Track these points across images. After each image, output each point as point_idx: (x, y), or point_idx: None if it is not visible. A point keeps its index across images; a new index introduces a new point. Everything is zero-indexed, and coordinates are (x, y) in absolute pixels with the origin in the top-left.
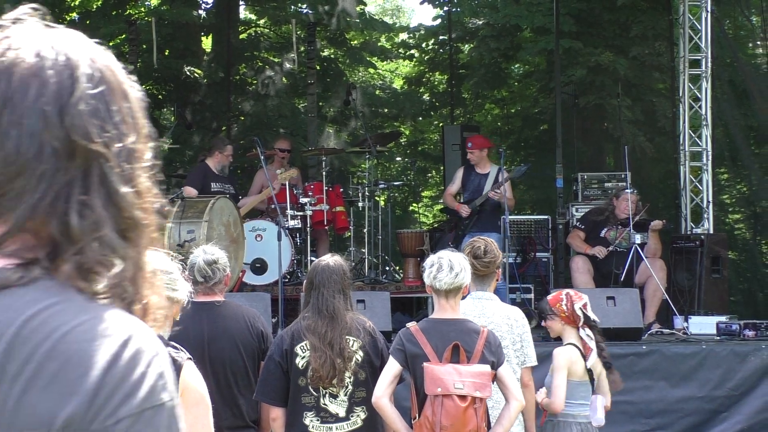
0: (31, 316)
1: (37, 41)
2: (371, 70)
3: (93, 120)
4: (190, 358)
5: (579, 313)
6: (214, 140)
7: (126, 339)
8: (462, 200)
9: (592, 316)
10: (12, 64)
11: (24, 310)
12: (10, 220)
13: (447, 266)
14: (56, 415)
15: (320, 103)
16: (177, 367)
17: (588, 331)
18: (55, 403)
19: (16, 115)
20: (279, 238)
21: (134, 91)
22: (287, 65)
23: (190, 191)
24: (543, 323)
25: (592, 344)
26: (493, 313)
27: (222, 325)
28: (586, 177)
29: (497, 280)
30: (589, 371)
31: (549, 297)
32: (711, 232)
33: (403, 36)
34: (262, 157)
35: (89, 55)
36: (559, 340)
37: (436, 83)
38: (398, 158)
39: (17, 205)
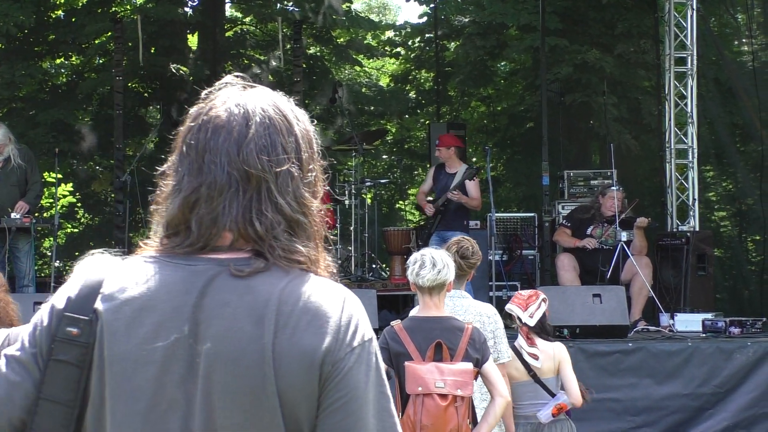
0: (283, 288)
1: (229, 101)
2: (357, 68)
3: (260, 154)
4: None
5: (510, 312)
6: None
7: (344, 296)
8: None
9: (526, 320)
10: (210, 120)
11: (277, 284)
12: (233, 228)
13: (430, 263)
14: (317, 347)
15: (306, 101)
16: None
17: (521, 338)
18: (315, 340)
19: (213, 155)
20: None
21: (299, 127)
22: (273, 63)
23: None
24: None
25: (525, 354)
26: (466, 311)
27: None
28: (572, 174)
29: (469, 279)
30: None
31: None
32: (697, 229)
33: (389, 34)
34: None
35: (262, 106)
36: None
37: (422, 81)
38: (384, 156)
39: (227, 218)
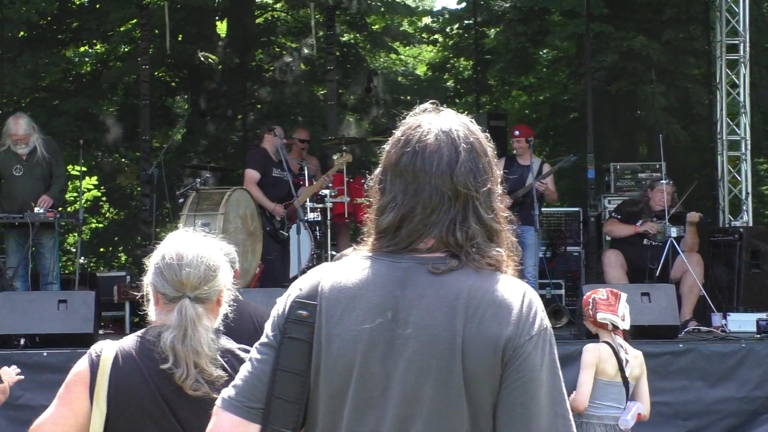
0: (472, 284)
1: (433, 126)
2: (393, 56)
3: (468, 175)
4: None
5: (604, 321)
6: (263, 126)
7: (524, 290)
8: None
9: (621, 324)
10: (424, 146)
11: (467, 281)
12: (437, 236)
13: None
14: (501, 335)
15: (340, 91)
16: None
17: (619, 339)
18: (499, 328)
19: (428, 177)
20: (298, 232)
21: (489, 149)
22: (305, 51)
23: (252, 175)
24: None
25: (623, 355)
26: None
27: (226, 324)
28: (618, 167)
29: None
30: (625, 378)
31: (584, 295)
32: (750, 224)
33: (427, 20)
34: (281, 145)
35: (463, 131)
36: (596, 338)
37: (460, 69)
38: None
39: (435, 229)
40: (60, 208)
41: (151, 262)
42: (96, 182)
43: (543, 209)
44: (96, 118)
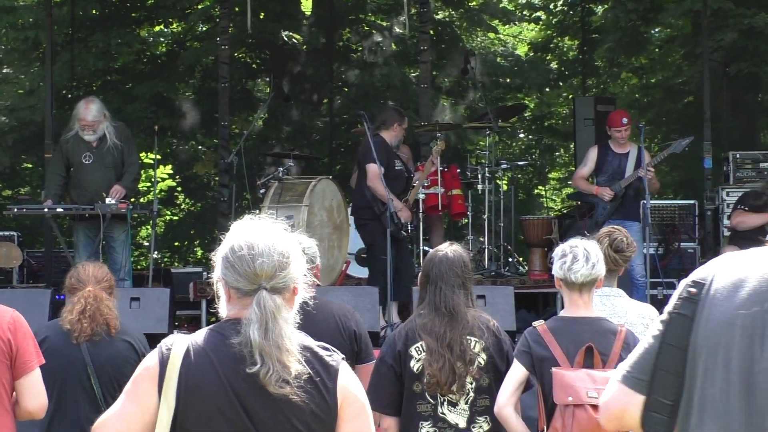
0: None
1: None
2: (492, 35)
3: None
4: (345, 359)
5: None
6: (388, 111)
7: None
8: (596, 184)
9: None
10: None
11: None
12: None
13: (582, 256)
14: None
15: (434, 73)
16: (332, 371)
17: None
18: None
19: None
20: (387, 225)
21: None
22: (397, 30)
23: (374, 170)
24: None
25: None
26: (626, 312)
27: (308, 323)
28: (738, 156)
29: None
30: None
31: None
32: None
33: None
34: (369, 134)
35: None
36: None
37: (565, 50)
38: (522, 135)
39: None
40: (132, 199)
41: (219, 255)
42: (171, 171)
43: (654, 201)
44: (171, 103)
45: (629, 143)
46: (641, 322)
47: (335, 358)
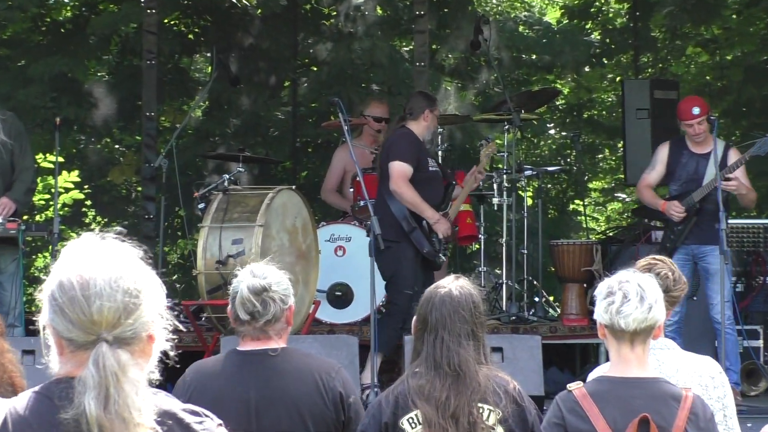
0: None
1: None
2: None
3: None
4: (221, 425)
5: None
6: (414, 98)
7: None
8: (669, 195)
9: None
10: None
11: None
12: None
13: (636, 294)
14: None
15: (434, 47)
16: None
17: None
18: None
19: None
20: (371, 253)
21: None
22: None
23: (401, 169)
24: None
25: None
26: (677, 369)
27: (278, 384)
28: None
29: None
30: None
31: None
32: None
33: None
34: (346, 128)
35: None
36: None
37: (610, 15)
38: (552, 131)
39: None
40: (25, 217)
41: (45, 293)
42: (78, 179)
43: (730, 221)
44: (79, 87)
45: (709, 139)
46: (698, 382)
47: (208, 425)
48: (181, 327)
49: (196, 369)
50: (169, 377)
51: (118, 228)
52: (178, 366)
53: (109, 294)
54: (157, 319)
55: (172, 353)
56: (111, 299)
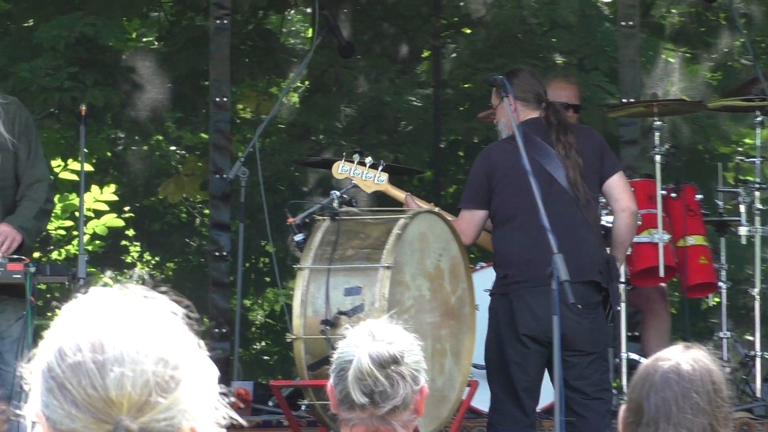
0: None
1: None
2: None
3: None
4: None
5: None
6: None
7: None
8: None
9: None
10: None
11: None
12: None
13: None
14: None
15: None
16: None
17: None
18: None
19: None
20: (556, 311)
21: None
22: None
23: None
24: None
25: None
26: None
27: None
28: None
29: None
30: None
31: None
32: None
33: None
34: (511, 116)
35: None
36: None
37: None
38: None
39: None
40: (37, 254)
41: (36, 368)
42: (115, 197)
43: None
44: (113, 59)
45: None
46: None
47: None
48: (242, 422)
49: None
50: None
51: (139, 271)
52: None
53: (134, 360)
54: (205, 406)
55: None
56: (136, 368)
